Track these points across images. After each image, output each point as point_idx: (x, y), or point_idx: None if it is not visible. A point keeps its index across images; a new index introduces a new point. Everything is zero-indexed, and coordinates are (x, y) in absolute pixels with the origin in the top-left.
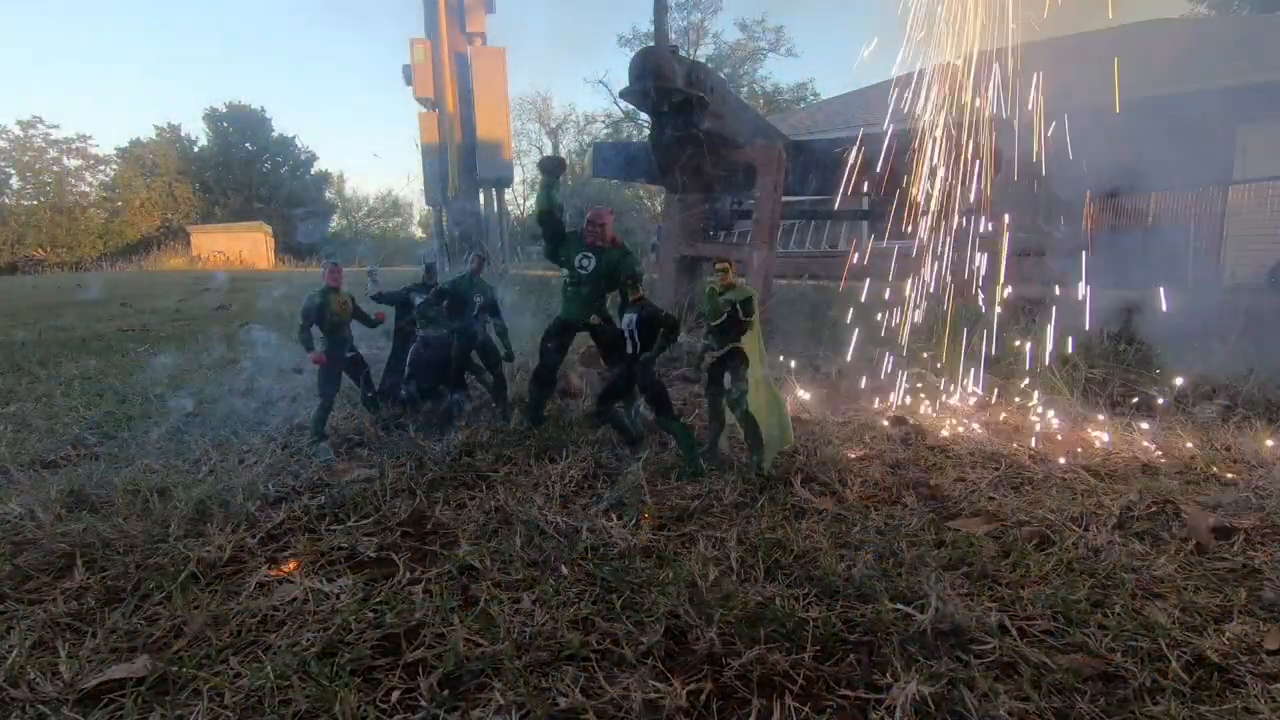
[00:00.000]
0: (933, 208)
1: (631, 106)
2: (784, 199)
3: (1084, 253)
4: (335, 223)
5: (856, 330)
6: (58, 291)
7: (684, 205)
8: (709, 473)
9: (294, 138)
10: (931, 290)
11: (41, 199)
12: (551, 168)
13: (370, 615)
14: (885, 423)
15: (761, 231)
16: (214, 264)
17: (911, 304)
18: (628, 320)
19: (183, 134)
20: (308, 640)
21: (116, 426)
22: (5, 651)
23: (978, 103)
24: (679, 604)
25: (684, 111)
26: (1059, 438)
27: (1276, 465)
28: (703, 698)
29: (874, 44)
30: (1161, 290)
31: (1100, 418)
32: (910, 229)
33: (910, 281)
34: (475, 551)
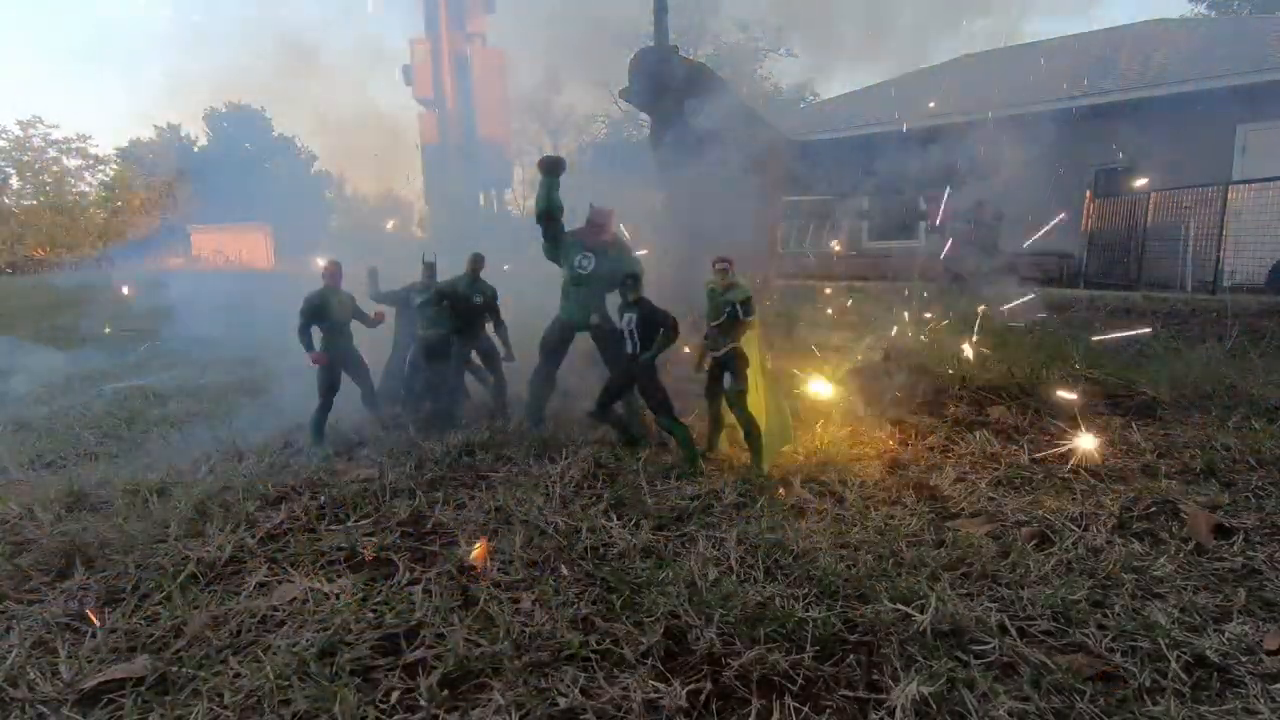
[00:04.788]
0: None
1: (631, 106)
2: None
3: None
4: (335, 223)
5: None
6: (57, 291)
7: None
8: (709, 473)
9: (294, 138)
10: None
11: (41, 199)
12: (551, 167)
13: (370, 615)
14: (886, 424)
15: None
16: (214, 264)
17: None
18: (627, 320)
19: (183, 134)
20: (307, 640)
21: (116, 426)
22: (5, 651)
23: None
24: (679, 604)
25: (683, 111)
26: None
27: (1276, 465)
28: (703, 698)
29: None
30: None
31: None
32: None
33: None
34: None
